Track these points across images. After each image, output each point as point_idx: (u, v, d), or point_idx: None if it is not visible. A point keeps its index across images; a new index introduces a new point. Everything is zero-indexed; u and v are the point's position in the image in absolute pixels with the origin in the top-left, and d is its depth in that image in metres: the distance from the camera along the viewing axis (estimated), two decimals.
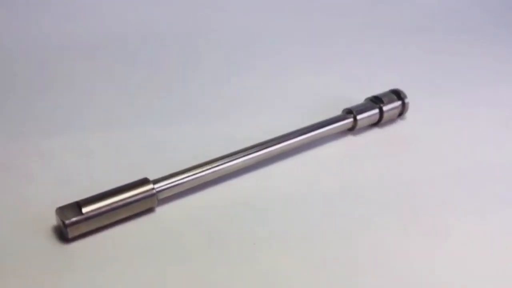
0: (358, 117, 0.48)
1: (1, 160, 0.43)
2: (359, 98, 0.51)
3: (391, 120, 0.51)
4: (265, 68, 0.63)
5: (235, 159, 0.41)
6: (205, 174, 0.40)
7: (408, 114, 0.52)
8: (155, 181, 0.38)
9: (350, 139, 0.49)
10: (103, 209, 0.35)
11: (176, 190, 0.39)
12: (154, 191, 0.37)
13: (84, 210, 0.35)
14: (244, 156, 0.42)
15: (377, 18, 0.80)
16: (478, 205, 0.41)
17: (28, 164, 0.43)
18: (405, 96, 0.51)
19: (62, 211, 0.35)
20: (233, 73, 0.61)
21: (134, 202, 0.36)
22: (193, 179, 0.39)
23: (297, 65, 0.64)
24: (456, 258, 0.35)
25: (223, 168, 0.40)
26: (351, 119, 0.48)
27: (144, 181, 0.37)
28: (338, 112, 0.49)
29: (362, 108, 0.49)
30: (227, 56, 0.66)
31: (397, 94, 0.51)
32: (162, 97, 0.55)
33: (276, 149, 0.43)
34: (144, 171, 0.40)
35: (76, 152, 0.45)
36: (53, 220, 0.36)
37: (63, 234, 0.35)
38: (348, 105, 0.50)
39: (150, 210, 0.38)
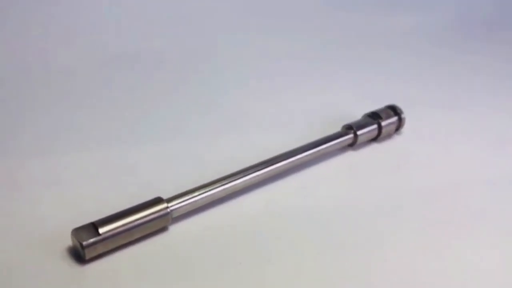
0: (358, 132, 0.49)
1: (8, 181, 0.43)
2: (356, 114, 0.53)
3: (389, 135, 0.53)
4: (264, 87, 0.64)
5: (243, 176, 0.42)
6: (217, 192, 0.40)
7: (404, 129, 0.54)
8: (169, 200, 0.38)
9: (350, 154, 0.50)
10: (120, 229, 0.35)
11: (189, 208, 0.39)
12: (168, 210, 0.37)
13: (101, 230, 0.35)
14: (252, 173, 0.42)
15: (371, 34, 0.83)
16: (475, 218, 0.42)
17: (36, 185, 0.43)
18: (401, 112, 0.52)
19: (78, 232, 0.35)
20: (234, 93, 0.62)
21: (149, 222, 0.36)
22: (205, 197, 0.39)
23: (291, 83, 0.66)
24: (454, 270, 0.36)
25: (233, 186, 0.41)
26: (351, 135, 0.49)
27: (158, 200, 0.38)
28: (335, 129, 0.50)
29: (361, 124, 0.50)
30: (227, 76, 0.67)
31: (394, 110, 0.52)
32: (162, 117, 0.56)
33: (284, 165, 0.44)
34: (151, 189, 0.40)
35: (83, 172, 0.45)
36: (67, 241, 0.36)
37: (78, 255, 0.35)
38: (345, 121, 0.51)
39: (163, 228, 0.38)
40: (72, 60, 0.66)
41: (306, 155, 0.46)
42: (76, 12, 0.72)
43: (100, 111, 0.56)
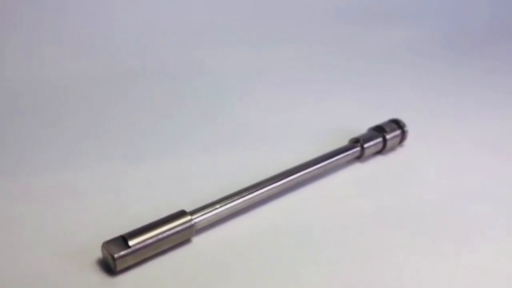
0: (365, 145, 0.51)
1: (34, 196, 0.45)
2: (359, 127, 0.55)
3: (392, 148, 0.55)
4: (271, 104, 0.67)
5: (260, 189, 0.44)
6: (236, 204, 0.42)
7: (406, 142, 0.56)
8: (192, 213, 0.40)
9: (358, 166, 0.52)
10: (148, 242, 0.37)
11: (211, 220, 0.41)
12: (192, 222, 0.39)
13: (131, 243, 0.36)
14: (269, 185, 0.44)
15: (369, 49, 0.87)
16: (476, 228, 0.44)
17: (58, 200, 0.44)
18: (404, 125, 0.55)
19: (108, 245, 0.36)
20: (243, 108, 0.64)
21: (175, 234, 0.38)
22: (226, 209, 0.41)
23: (295, 99, 0.69)
24: (458, 279, 0.38)
25: (251, 198, 0.43)
26: (359, 148, 0.51)
27: (182, 213, 0.39)
28: (340, 141, 0.53)
29: (368, 137, 0.52)
30: (235, 91, 0.70)
31: (397, 123, 0.55)
32: (176, 132, 0.58)
33: (298, 177, 0.46)
34: (169, 203, 0.42)
35: (104, 186, 0.46)
36: (96, 253, 0.37)
37: (108, 267, 0.36)
38: (350, 135, 0.53)
39: (187, 240, 0.40)
40: (88, 74, 0.69)
41: (318, 168, 0.48)
42: (86, 27, 0.74)
43: (117, 125, 0.59)
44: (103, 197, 0.45)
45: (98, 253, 0.38)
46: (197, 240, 0.40)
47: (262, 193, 0.44)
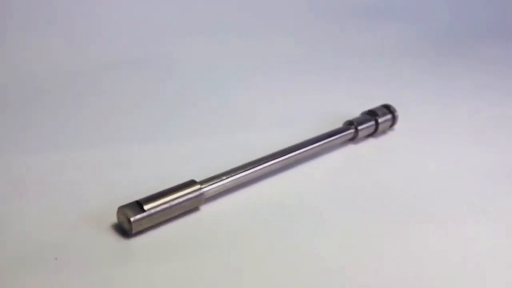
0: (359, 127, 0.55)
1: (53, 169, 0.48)
2: (351, 113, 0.59)
3: (384, 131, 0.58)
4: (272, 91, 0.71)
5: (262, 164, 0.46)
6: (241, 176, 0.45)
7: (396, 126, 0.59)
8: (201, 183, 0.42)
9: (351, 147, 0.55)
10: (162, 207, 0.39)
11: (218, 190, 0.43)
12: (201, 191, 0.41)
13: (146, 207, 0.38)
14: (270, 161, 0.47)
15: (362, 44, 0.92)
16: (457, 201, 0.47)
17: (78, 172, 0.47)
18: (395, 110, 0.58)
19: (124, 209, 0.38)
20: (247, 95, 0.68)
21: (186, 201, 0.40)
22: (232, 180, 0.44)
23: (296, 87, 0.73)
24: (434, 250, 0.40)
25: (254, 171, 0.46)
26: (353, 130, 0.54)
27: (192, 182, 0.42)
28: (334, 126, 0.55)
29: (361, 120, 0.55)
30: (237, 80, 0.74)
31: (388, 108, 0.58)
32: (183, 116, 0.62)
33: (296, 154, 0.49)
34: (175, 177, 0.44)
35: (116, 163, 0.50)
36: (111, 219, 0.40)
37: (123, 231, 0.39)
38: (343, 119, 0.56)
39: (195, 208, 0.42)
40: (107, 58, 0.74)
41: (315, 146, 0.51)
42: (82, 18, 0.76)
43: (124, 109, 0.62)
44: (116, 172, 0.48)
45: (114, 219, 0.40)
46: (205, 208, 0.43)
47: (264, 167, 0.46)
